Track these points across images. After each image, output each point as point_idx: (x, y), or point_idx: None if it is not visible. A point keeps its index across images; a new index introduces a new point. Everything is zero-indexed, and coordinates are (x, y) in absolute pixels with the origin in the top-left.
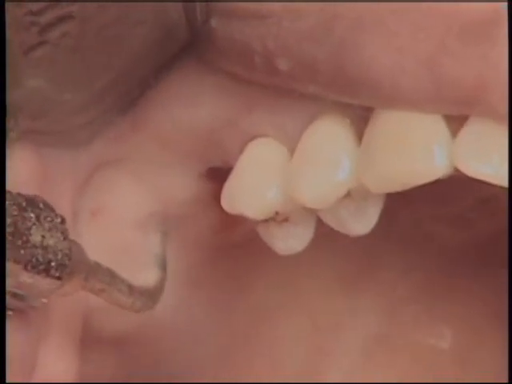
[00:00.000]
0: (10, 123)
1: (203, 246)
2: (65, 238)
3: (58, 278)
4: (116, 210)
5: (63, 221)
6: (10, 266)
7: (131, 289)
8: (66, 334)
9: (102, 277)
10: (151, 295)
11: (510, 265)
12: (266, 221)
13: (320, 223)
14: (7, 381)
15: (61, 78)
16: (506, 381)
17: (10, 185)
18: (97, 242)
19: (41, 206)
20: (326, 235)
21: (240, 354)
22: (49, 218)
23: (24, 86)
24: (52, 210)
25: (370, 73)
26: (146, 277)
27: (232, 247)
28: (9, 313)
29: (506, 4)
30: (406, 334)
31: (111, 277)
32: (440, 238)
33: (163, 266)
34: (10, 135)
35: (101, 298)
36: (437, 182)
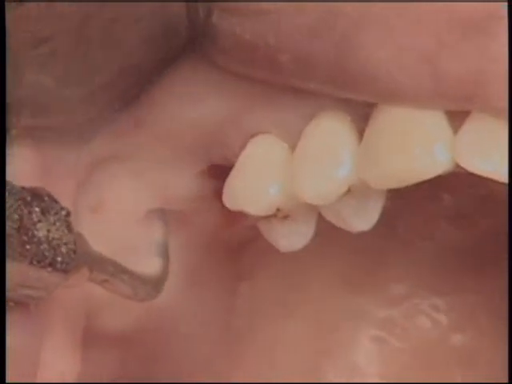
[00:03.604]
0: (11, 120)
1: (205, 242)
2: (70, 231)
3: (64, 272)
4: (117, 206)
5: (68, 213)
6: (15, 261)
7: (134, 278)
8: (67, 333)
9: (105, 267)
10: (154, 284)
11: (510, 265)
12: (267, 217)
13: (322, 221)
14: (8, 380)
15: (62, 74)
16: (507, 379)
17: (12, 181)
18: (98, 237)
19: (45, 198)
20: (328, 233)
21: (241, 352)
22: (54, 211)
23: (27, 83)
24: (56, 202)
25: (370, 69)
26: (149, 266)
27: (234, 244)
28: (11, 304)
29: (505, 4)
30: (408, 332)
31: (114, 267)
32: (442, 236)
33: (165, 255)
34: (11, 132)
35: (104, 288)
36: (438, 179)
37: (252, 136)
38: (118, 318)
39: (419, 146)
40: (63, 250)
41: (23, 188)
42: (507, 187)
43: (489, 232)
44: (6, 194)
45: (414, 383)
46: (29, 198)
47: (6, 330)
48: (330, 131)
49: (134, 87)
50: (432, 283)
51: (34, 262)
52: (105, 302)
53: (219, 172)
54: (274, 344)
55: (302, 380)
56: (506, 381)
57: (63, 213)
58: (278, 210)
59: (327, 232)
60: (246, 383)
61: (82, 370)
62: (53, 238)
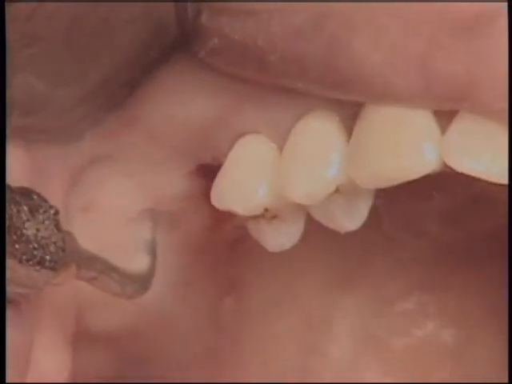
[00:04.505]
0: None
1: (194, 242)
2: (58, 230)
3: (53, 270)
4: (107, 205)
5: (57, 212)
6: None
7: (122, 276)
8: (57, 331)
9: (93, 265)
10: (142, 282)
11: (510, 265)
12: (255, 217)
13: (311, 220)
14: (8, 380)
15: (52, 75)
16: (505, 376)
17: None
18: (89, 236)
19: (34, 197)
20: (317, 232)
21: (232, 352)
22: (42, 210)
23: (17, 83)
24: (45, 201)
25: (361, 69)
26: (137, 264)
27: (223, 244)
28: None
29: (505, 4)
30: (399, 330)
31: (102, 265)
32: (431, 235)
33: (153, 253)
34: None
35: (92, 285)
36: (427, 178)
37: (240, 135)
38: (109, 317)
39: (408, 145)
40: (52, 248)
41: (12, 187)
42: (506, 188)
43: (480, 230)
44: None
45: (407, 383)
46: (17, 197)
47: (5, 332)
48: (319, 131)
49: (124, 87)
50: (422, 281)
51: (23, 261)
52: (95, 300)
53: (208, 172)
54: (265, 343)
55: (294, 379)
56: (503, 379)
57: (52, 211)
58: (266, 210)
59: (316, 231)
60: (237, 383)
61: (72, 369)
62: (42, 237)
